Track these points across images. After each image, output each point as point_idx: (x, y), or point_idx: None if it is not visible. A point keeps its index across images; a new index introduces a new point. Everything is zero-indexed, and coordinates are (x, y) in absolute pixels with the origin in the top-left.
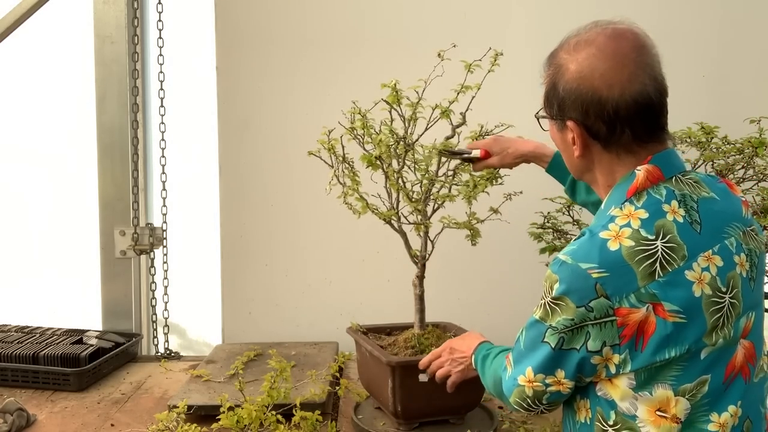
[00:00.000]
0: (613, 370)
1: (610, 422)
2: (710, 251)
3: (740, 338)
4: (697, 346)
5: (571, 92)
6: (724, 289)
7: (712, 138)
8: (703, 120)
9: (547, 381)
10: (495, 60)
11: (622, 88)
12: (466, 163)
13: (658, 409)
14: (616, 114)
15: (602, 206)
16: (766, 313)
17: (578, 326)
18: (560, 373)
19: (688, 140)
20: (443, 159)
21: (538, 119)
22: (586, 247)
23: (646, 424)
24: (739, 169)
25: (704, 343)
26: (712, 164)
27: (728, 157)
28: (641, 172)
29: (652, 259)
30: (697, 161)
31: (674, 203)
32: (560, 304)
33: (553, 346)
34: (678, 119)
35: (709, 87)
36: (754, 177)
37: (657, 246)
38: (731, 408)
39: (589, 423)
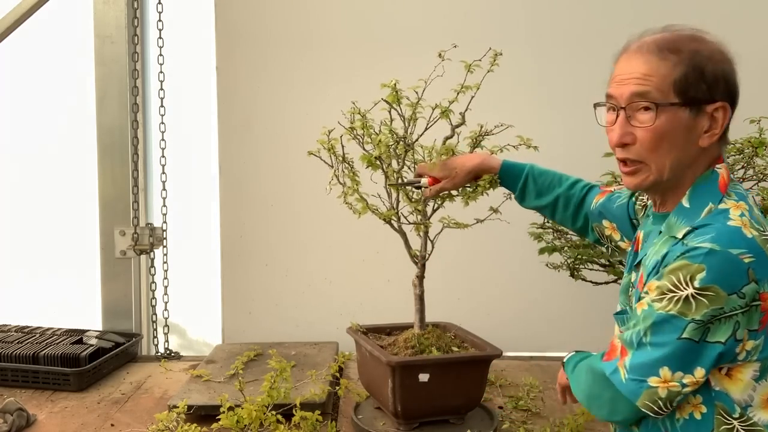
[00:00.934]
0: (741, 357)
1: (736, 415)
2: None
3: None
4: None
5: (725, 73)
6: None
7: None
8: None
9: (685, 380)
10: (495, 60)
11: (736, 79)
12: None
13: None
14: (735, 103)
15: (686, 203)
16: None
17: (726, 315)
18: (699, 371)
19: None
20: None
21: (656, 106)
22: (726, 234)
23: (758, 412)
24: (739, 169)
25: None
26: None
27: (728, 157)
28: (722, 170)
29: None
30: None
31: (750, 198)
32: (707, 295)
33: (697, 340)
34: None
35: None
36: (754, 177)
37: None
38: None
39: (701, 419)
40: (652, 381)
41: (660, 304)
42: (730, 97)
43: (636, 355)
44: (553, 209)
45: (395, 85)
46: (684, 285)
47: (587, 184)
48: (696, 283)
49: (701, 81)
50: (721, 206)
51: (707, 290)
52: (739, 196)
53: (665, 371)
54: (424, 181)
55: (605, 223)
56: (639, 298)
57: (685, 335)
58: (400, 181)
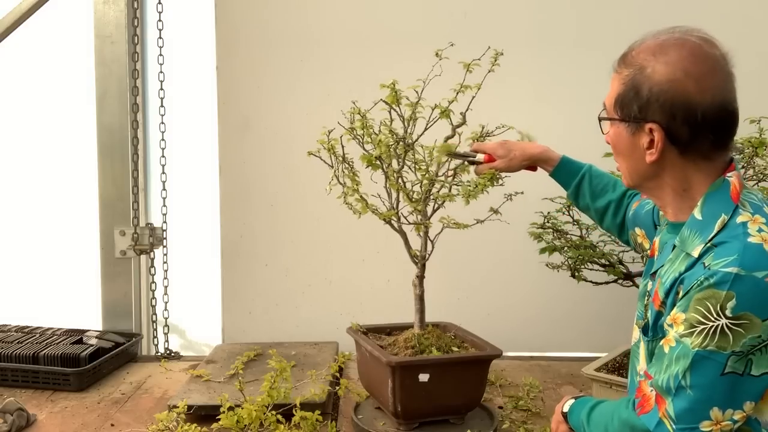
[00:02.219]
0: None
1: None
2: None
3: None
4: None
5: (659, 94)
6: None
7: None
8: None
9: (736, 417)
10: (495, 60)
11: (713, 94)
12: (468, 165)
13: None
14: (703, 119)
15: (698, 215)
16: None
17: (766, 343)
18: (749, 405)
19: None
20: (444, 159)
21: (600, 121)
22: (749, 254)
23: None
24: (740, 169)
25: None
26: None
27: None
28: (734, 179)
29: None
30: None
31: (766, 207)
32: (743, 324)
33: (741, 373)
34: None
35: None
36: (754, 177)
37: None
38: None
39: None
40: (705, 426)
41: (693, 340)
42: (669, 118)
43: (679, 402)
44: (603, 215)
45: (394, 85)
46: (716, 315)
47: (633, 193)
48: (728, 312)
49: (635, 100)
50: (739, 219)
51: (742, 318)
52: (755, 207)
53: (716, 412)
54: (480, 156)
55: (637, 230)
56: (655, 324)
57: (728, 370)
58: (456, 152)
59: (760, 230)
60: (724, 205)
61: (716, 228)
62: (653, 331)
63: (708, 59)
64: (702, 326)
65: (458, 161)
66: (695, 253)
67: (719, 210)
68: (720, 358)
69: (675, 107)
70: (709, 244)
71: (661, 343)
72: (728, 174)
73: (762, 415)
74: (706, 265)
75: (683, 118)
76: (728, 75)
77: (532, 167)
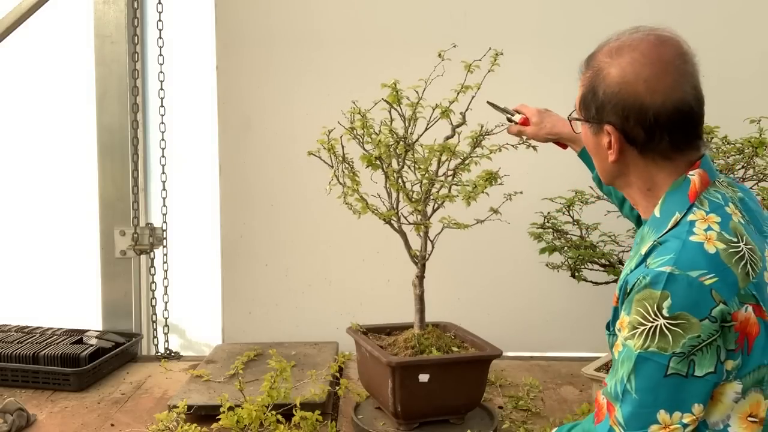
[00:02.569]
0: (723, 378)
1: None
2: (767, 251)
3: None
4: None
5: (611, 96)
6: None
7: (712, 138)
8: None
9: (685, 420)
10: (495, 60)
11: (664, 96)
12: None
13: (750, 415)
14: (656, 121)
15: (657, 213)
16: None
17: (707, 343)
18: (698, 408)
19: None
20: (443, 158)
21: (570, 121)
22: (685, 253)
23: (736, 429)
24: (739, 169)
25: None
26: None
27: (728, 157)
28: (696, 177)
29: (743, 261)
30: None
31: (731, 205)
32: (681, 324)
33: (685, 375)
34: None
35: (709, 87)
36: (754, 177)
37: (742, 248)
38: None
39: None
40: (653, 430)
41: (635, 342)
42: (623, 120)
43: (626, 407)
44: (622, 203)
45: (395, 84)
46: (653, 316)
47: None
48: (665, 312)
49: (593, 101)
50: (690, 217)
51: (679, 318)
52: (714, 206)
53: (663, 415)
54: (518, 117)
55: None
56: (615, 321)
57: (671, 371)
58: (499, 105)
59: (708, 229)
60: (679, 204)
61: (668, 226)
62: (612, 327)
63: (660, 60)
64: (642, 327)
65: (457, 161)
66: (643, 252)
67: (675, 208)
68: (662, 359)
69: (627, 109)
70: (655, 242)
71: (613, 349)
72: (690, 172)
73: (709, 417)
74: (647, 264)
75: (636, 120)
76: (683, 75)
77: (562, 144)
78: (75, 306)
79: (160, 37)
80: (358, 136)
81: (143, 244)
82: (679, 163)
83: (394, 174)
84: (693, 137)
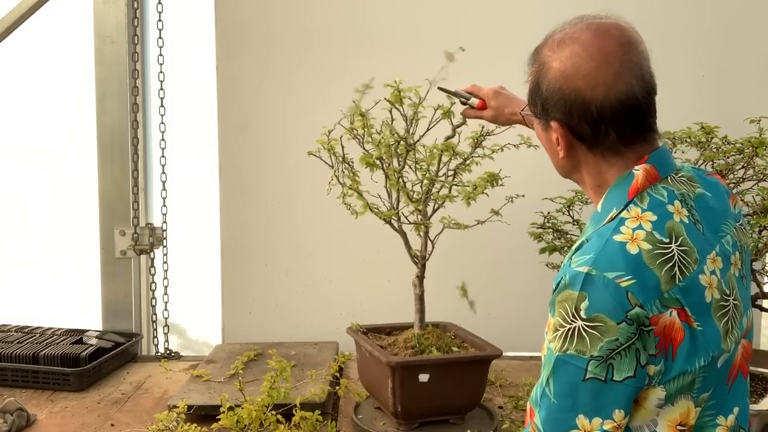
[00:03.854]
0: (645, 382)
1: None
2: (714, 252)
3: (742, 338)
4: (718, 352)
5: (554, 92)
6: (728, 292)
7: (712, 138)
8: (703, 120)
9: (606, 427)
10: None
11: (606, 89)
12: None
13: (679, 423)
14: (600, 115)
15: (599, 208)
16: None
17: (625, 347)
18: (619, 414)
19: (688, 140)
20: (444, 158)
21: (522, 117)
22: (605, 253)
23: None
24: (739, 169)
25: (722, 349)
26: (712, 164)
27: (728, 157)
28: (640, 172)
29: (671, 263)
30: (697, 161)
31: (677, 203)
32: (598, 326)
33: (603, 380)
34: (678, 119)
35: (709, 87)
36: (754, 177)
37: (672, 249)
38: (735, 409)
39: None
40: None
41: (555, 344)
42: (567, 116)
43: (544, 411)
44: None
45: (398, 84)
46: (572, 318)
47: None
48: (582, 314)
49: (538, 97)
50: (623, 214)
51: (596, 321)
52: (655, 203)
53: (582, 420)
54: (474, 101)
55: None
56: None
57: (589, 376)
58: (452, 89)
59: (638, 227)
60: (618, 200)
61: (605, 222)
62: None
63: (600, 53)
64: (562, 329)
65: (458, 161)
66: (574, 248)
67: (613, 204)
68: (580, 362)
69: (569, 105)
70: (584, 240)
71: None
72: (636, 167)
73: (631, 421)
74: (571, 262)
75: (579, 115)
76: (627, 66)
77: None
78: (75, 306)
79: (160, 37)
80: (358, 136)
81: (143, 244)
82: (629, 157)
83: (395, 174)
84: (642, 130)
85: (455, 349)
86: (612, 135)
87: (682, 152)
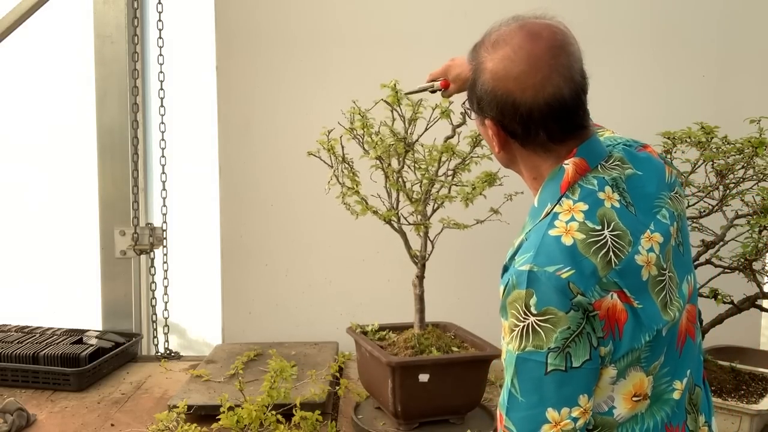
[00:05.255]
0: (599, 363)
1: (590, 427)
2: (649, 230)
3: (686, 304)
4: (660, 325)
5: (487, 92)
6: (664, 266)
7: (712, 138)
8: (703, 120)
9: (574, 414)
10: None
11: (535, 92)
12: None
13: (634, 394)
14: (529, 117)
15: (535, 203)
16: None
17: (577, 333)
18: (583, 399)
19: (688, 140)
20: (443, 158)
21: (465, 111)
22: (543, 249)
23: (622, 411)
24: (739, 169)
25: (665, 321)
26: (712, 164)
27: (728, 157)
28: (570, 166)
29: (605, 250)
30: (697, 161)
31: (608, 189)
32: (549, 318)
33: (564, 369)
34: (678, 119)
35: (709, 87)
36: (754, 177)
37: (605, 235)
38: (688, 371)
39: None
40: (545, 430)
41: (513, 344)
42: (500, 115)
43: (514, 412)
44: None
45: (395, 85)
46: (524, 315)
47: None
48: (533, 310)
49: (474, 94)
50: (556, 209)
51: (547, 314)
52: (585, 193)
53: (552, 413)
54: (436, 84)
55: None
56: None
57: (550, 368)
58: (415, 88)
59: (571, 220)
60: (552, 195)
61: (540, 218)
62: None
63: (530, 57)
64: (517, 329)
65: (457, 160)
66: (516, 243)
67: (548, 200)
68: (539, 357)
69: (501, 105)
70: (523, 238)
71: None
72: (566, 161)
73: (598, 400)
74: (515, 263)
75: (510, 115)
76: (555, 69)
77: None
78: (75, 306)
79: (160, 37)
80: (358, 136)
81: (143, 244)
82: (560, 152)
83: (394, 174)
84: (571, 128)
85: (455, 349)
86: (542, 134)
87: (682, 152)
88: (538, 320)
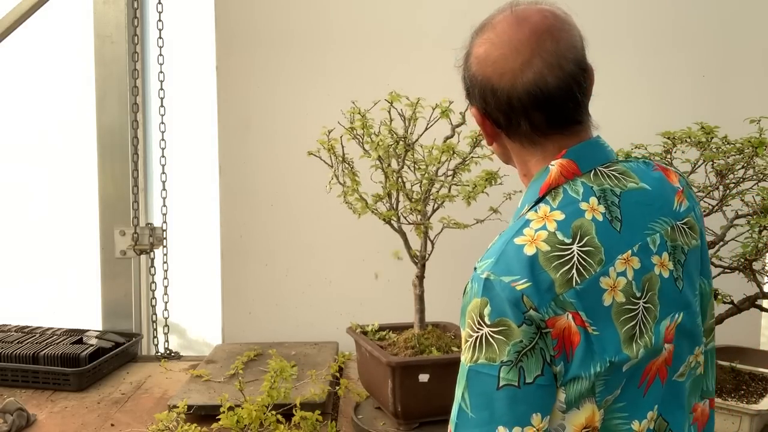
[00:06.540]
0: (552, 380)
1: None
2: (629, 252)
3: (663, 344)
4: (619, 358)
5: (471, 78)
6: (638, 294)
7: (712, 138)
8: (703, 120)
9: None
10: None
11: (513, 77)
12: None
13: (585, 427)
14: (509, 104)
15: (519, 204)
16: None
17: (530, 348)
18: (536, 418)
19: (688, 140)
20: (443, 158)
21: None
22: (504, 257)
23: None
24: (739, 169)
25: (625, 355)
26: (712, 164)
27: (728, 157)
28: (555, 167)
29: (568, 266)
30: (697, 161)
31: (593, 200)
32: (502, 330)
33: (517, 384)
34: (678, 119)
35: (709, 87)
36: (754, 177)
37: (573, 250)
38: (650, 414)
39: None
40: None
41: (466, 355)
42: (484, 103)
43: (462, 428)
44: None
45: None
46: (478, 325)
47: None
48: (487, 320)
49: (463, 82)
50: (529, 214)
51: (500, 325)
52: (567, 200)
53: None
54: None
55: None
56: None
57: (503, 383)
58: None
59: (541, 228)
60: (531, 196)
61: (521, 222)
62: None
63: (511, 41)
64: (470, 339)
65: (457, 160)
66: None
67: (527, 201)
68: (492, 370)
69: (482, 92)
70: (495, 241)
71: None
72: (553, 162)
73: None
74: (477, 267)
75: (493, 103)
76: (538, 54)
77: None
78: (75, 306)
79: (160, 37)
80: (358, 136)
81: (143, 244)
82: (548, 148)
83: (394, 174)
84: (557, 120)
85: (455, 349)
86: (523, 125)
87: (682, 152)
88: (491, 331)
